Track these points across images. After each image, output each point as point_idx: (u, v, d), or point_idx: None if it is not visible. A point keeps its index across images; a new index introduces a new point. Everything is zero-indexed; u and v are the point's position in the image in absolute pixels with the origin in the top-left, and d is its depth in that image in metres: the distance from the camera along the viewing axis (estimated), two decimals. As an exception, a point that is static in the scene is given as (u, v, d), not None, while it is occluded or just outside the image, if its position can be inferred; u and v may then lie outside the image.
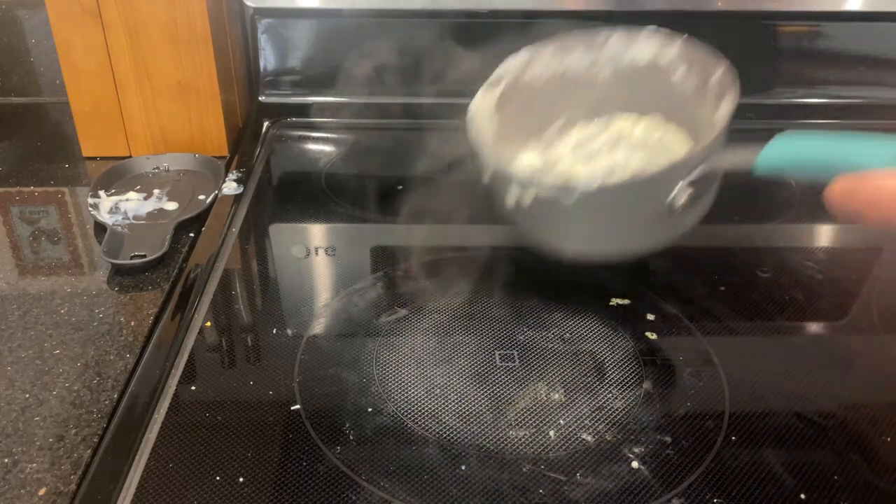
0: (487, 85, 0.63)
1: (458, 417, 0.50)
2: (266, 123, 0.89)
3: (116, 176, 0.76)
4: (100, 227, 0.69)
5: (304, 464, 0.46)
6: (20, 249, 0.67)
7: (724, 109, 0.54)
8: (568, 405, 0.51)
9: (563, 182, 0.58)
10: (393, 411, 0.50)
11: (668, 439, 0.48)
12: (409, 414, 0.50)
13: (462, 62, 0.87)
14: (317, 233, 0.73)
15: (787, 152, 0.45)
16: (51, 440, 0.48)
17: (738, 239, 0.72)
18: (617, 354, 0.55)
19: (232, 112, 0.83)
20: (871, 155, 0.41)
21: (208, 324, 0.58)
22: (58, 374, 0.53)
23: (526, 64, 0.64)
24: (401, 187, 0.76)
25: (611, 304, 0.60)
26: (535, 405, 0.51)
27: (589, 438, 0.48)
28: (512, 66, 0.64)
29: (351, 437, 0.48)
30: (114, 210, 0.71)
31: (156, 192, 0.74)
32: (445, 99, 0.86)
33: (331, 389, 0.52)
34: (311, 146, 0.90)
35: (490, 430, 0.49)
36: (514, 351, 0.55)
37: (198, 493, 0.44)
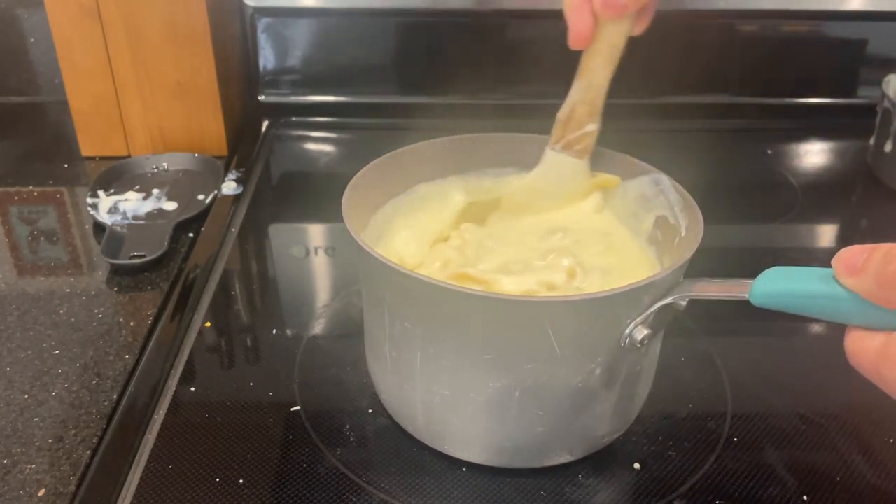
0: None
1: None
2: (266, 123, 0.89)
3: (115, 175, 0.76)
4: (99, 227, 0.69)
5: (305, 465, 0.46)
6: (19, 249, 0.67)
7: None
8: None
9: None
10: (393, 412, 0.50)
11: (670, 440, 0.48)
12: (410, 415, 0.50)
13: (463, 62, 0.87)
14: (317, 233, 0.73)
15: (778, 288, 0.37)
16: (50, 441, 0.47)
17: (740, 239, 0.71)
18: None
19: (231, 111, 0.83)
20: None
21: (208, 324, 0.58)
22: (57, 374, 0.53)
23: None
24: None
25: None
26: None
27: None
28: None
29: (351, 439, 0.48)
30: (113, 210, 0.70)
31: (155, 191, 0.74)
32: (446, 99, 0.86)
33: (331, 390, 0.52)
34: (311, 146, 0.89)
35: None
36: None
37: (197, 494, 0.44)
